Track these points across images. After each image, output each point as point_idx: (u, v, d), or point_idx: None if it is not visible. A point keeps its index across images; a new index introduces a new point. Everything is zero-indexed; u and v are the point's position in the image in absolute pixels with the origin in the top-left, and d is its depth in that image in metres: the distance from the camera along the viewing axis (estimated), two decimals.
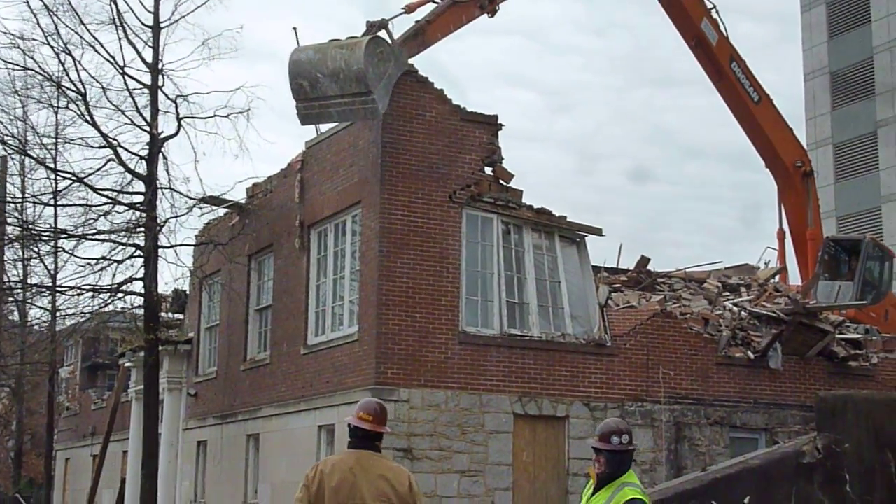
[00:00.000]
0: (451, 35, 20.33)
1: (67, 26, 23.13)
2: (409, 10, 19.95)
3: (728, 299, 23.68)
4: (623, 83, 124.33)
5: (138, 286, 23.64)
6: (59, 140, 27.18)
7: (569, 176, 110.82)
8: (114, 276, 23.66)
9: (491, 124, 19.89)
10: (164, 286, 24.92)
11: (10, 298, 36.14)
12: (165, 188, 23.03)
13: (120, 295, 24.19)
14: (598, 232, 20.84)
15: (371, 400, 7.91)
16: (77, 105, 23.59)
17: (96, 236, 23.80)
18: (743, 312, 22.70)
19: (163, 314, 26.35)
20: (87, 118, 23.25)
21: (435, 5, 20.05)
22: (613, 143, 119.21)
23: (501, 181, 19.84)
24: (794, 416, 21.51)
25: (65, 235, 25.12)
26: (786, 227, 27.98)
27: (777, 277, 26.72)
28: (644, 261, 24.70)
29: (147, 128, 23.24)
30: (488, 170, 19.74)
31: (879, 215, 45.88)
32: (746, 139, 26.68)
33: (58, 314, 32.52)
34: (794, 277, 27.68)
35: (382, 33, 18.77)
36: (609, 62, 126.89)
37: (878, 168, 46.48)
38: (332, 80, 18.06)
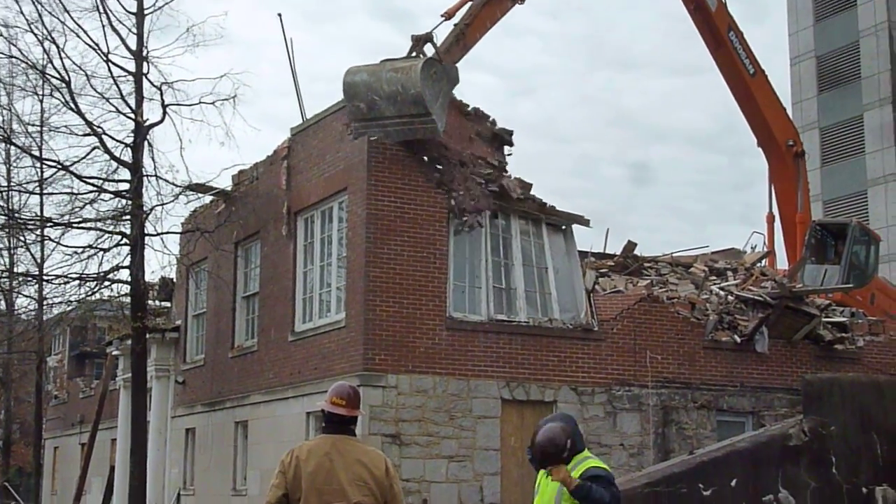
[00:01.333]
0: (488, 33, 20.51)
1: (51, 13, 22.99)
2: (449, 15, 20.18)
3: (715, 283, 23.74)
4: (582, 66, 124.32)
5: (125, 274, 23.55)
6: (44, 128, 27.09)
7: (535, 160, 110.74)
8: (100, 264, 23.59)
9: (480, 116, 19.94)
10: (151, 274, 24.84)
11: None
12: (151, 176, 22.91)
13: (107, 283, 24.09)
14: (585, 222, 20.84)
15: (343, 384, 7.80)
16: (61, 93, 23.42)
17: (82, 224, 23.71)
18: (729, 296, 22.76)
19: (150, 302, 26.27)
20: (72, 106, 23.11)
21: (470, 4, 20.19)
22: (577, 127, 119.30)
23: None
24: (781, 399, 21.59)
25: (51, 224, 25.01)
26: (776, 211, 28.08)
27: (764, 261, 26.81)
28: (631, 245, 24.76)
29: (132, 115, 23.11)
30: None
31: (865, 199, 45.99)
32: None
33: (45, 303, 32.45)
34: (782, 261, 27.78)
35: (428, 47, 18.99)
36: (567, 45, 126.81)
37: (864, 152, 46.56)
38: (389, 103, 18.19)
